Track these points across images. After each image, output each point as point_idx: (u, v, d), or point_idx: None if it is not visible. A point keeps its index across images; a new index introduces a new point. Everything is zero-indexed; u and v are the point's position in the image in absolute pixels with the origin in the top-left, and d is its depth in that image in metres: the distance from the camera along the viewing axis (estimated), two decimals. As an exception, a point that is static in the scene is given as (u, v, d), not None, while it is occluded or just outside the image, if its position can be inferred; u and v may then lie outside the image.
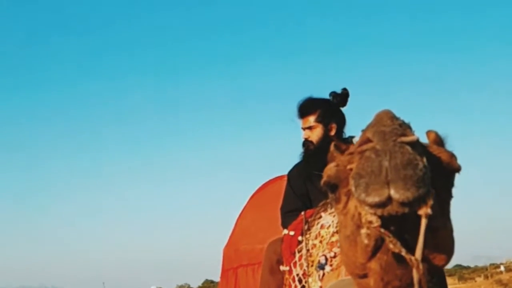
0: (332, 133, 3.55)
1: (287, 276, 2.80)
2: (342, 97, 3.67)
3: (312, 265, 2.65)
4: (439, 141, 1.57)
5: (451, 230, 1.54)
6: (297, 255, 2.75)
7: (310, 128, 3.60)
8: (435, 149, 1.52)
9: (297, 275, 2.71)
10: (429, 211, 1.34)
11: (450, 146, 1.57)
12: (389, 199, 1.30)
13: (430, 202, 1.34)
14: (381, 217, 1.35)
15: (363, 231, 1.42)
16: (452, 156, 1.53)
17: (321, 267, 2.55)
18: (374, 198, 1.31)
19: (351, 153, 1.47)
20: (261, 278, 3.06)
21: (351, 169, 1.41)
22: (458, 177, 1.55)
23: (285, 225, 3.37)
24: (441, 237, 1.48)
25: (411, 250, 1.40)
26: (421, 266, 1.39)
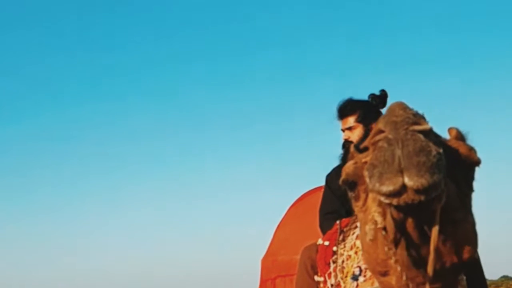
0: None
1: (321, 285, 2.79)
2: (381, 99, 3.67)
3: (346, 276, 2.64)
4: (460, 137, 1.56)
5: (473, 224, 1.51)
6: (332, 265, 2.74)
7: (350, 128, 3.60)
8: (453, 143, 1.51)
9: (331, 285, 2.71)
10: (443, 200, 1.33)
11: (472, 141, 1.56)
12: (404, 187, 1.27)
13: (444, 190, 1.31)
14: (398, 207, 1.33)
15: (368, 226, 1.42)
16: (471, 149, 1.52)
17: (355, 278, 2.54)
18: (388, 187, 1.28)
19: (366, 147, 1.46)
20: (296, 283, 3.04)
21: (366, 162, 1.39)
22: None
23: (323, 227, 3.37)
24: (462, 230, 1.45)
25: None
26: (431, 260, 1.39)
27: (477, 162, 1.53)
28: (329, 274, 2.75)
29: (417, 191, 1.27)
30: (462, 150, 1.51)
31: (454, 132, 1.57)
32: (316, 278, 2.84)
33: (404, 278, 1.46)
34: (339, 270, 2.69)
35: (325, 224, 3.28)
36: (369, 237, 1.48)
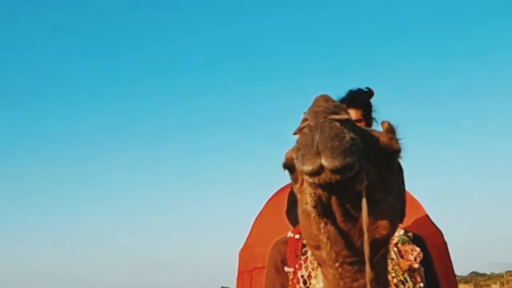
0: None
1: (291, 277, 2.84)
2: (369, 95, 3.76)
3: (317, 267, 2.66)
4: (391, 129, 1.77)
5: (392, 204, 1.70)
6: (302, 257, 2.81)
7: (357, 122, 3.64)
8: (376, 133, 1.73)
9: (302, 276, 2.77)
10: (364, 182, 1.53)
11: (401, 133, 1.77)
12: (322, 167, 1.47)
13: (363, 172, 1.53)
14: (320, 185, 1.54)
15: (303, 205, 1.64)
16: (392, 138, 1.73)
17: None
18: (308, 167, 1.48)
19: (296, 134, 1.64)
20: (266, 277, 3.06)
21: None
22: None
23: (289, 214, 3.48)
24: (381, 210, 1.65)
25: (354, 220, 1.62)
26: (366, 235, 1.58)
27: (397, 150, 1.73)
28: (300, 266, 2.82)
29: (332, 171, 1.47)
30: (383, 139, 1.71)
31: (385, 125, 1.77)
32: (286, 269, 2.89)
33: (332, 251, 1.66)
34: (310, 261, 2.76)
35: (292, 211, 3.31)
36: (303, 214, 1.70)
